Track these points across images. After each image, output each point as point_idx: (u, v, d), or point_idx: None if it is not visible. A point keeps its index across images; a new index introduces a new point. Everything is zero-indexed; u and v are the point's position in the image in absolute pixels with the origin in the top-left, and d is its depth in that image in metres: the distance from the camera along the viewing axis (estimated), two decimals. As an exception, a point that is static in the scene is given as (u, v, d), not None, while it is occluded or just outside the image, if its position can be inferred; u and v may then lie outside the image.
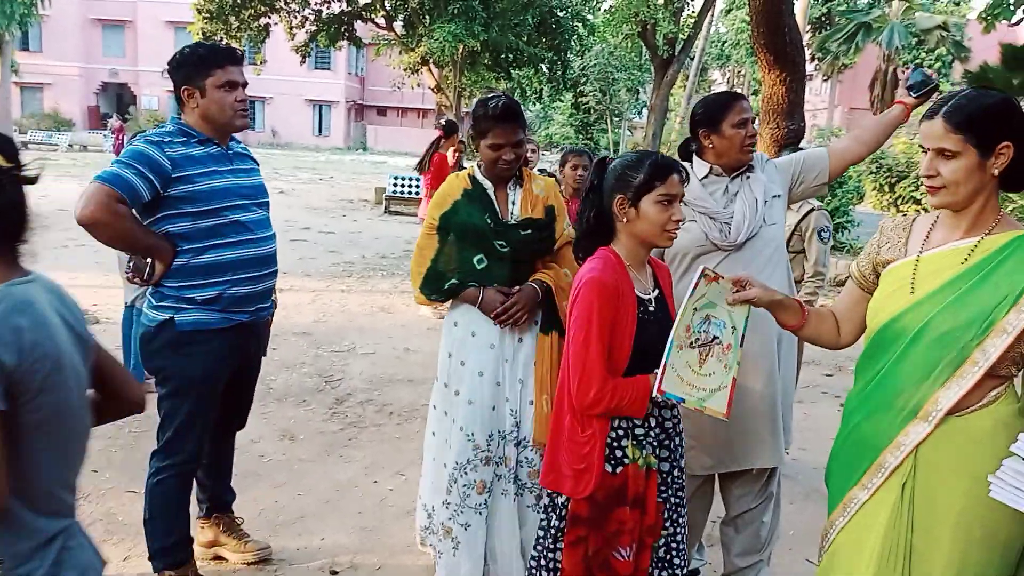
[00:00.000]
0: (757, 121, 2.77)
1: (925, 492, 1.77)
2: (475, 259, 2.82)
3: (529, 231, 2.83)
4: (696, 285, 1.99)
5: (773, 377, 2.69)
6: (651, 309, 2.16)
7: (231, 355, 2.80)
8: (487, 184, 2.87)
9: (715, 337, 2.05)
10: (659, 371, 1.98)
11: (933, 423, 1.75)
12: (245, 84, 2.78)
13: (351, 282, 9.01)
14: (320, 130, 45.96)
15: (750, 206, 2.67)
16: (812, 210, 4.46)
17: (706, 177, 2.74)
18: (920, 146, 1.84)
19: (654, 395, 2.02)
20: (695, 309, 2.02)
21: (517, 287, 2.79)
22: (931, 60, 31.12)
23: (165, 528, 2.74)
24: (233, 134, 2.86)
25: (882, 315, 1.86)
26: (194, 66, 2.69)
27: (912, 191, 10.14)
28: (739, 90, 45.46)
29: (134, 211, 2.59)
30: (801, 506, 3.92)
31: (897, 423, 1.80)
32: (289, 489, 3.80)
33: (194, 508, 3.08)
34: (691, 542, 2.98)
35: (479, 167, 2.89)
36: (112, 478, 3.78)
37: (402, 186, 16.64)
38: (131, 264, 2.74)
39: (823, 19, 32.54)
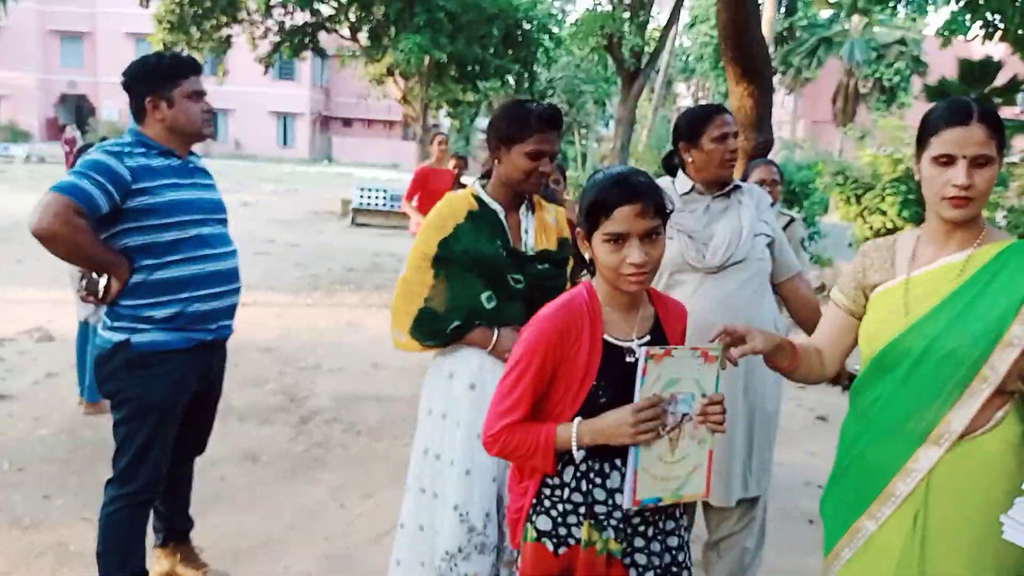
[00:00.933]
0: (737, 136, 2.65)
1: (938, 520, 1.70)
2: (483, 296, 2.37)
3: (547, 265, 2.44)
4: (644, 371, 1.68)
5: (733, 411, 2.50)
6: (628, 360, 1.77)
7: (191, 377, 2.66)
8: (496, 206, 2.43)
9: (684, 415, 1.73)
10: (628, 480, 1.70)
11: (944, 447, 1.68)
12: (206, 93, 2.70)
13: (317, 296, 8.84)
14: (285, 141, 45.50)
15: (734, 230, 2.56)
16: (792, 220, 4.42)
17: (688, 193, 2.65)
18: (943, 156, 1.68)
19: (627, 508, 1.72)
20: (655, 395, 1.70)
21: None
22: (890, 74, 31.75)
23: (119, 561, 2.58)
24: (192, 148, 2.75)
25: (879, 339, 1.79)
26: (161, 76, 2.59)
27: (879, 202, 10.21)
28: (703, 102, 46.09)
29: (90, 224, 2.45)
30: (778, 524, 3.85)
31: (906, 448, 1.73)
32: (252, 514, 3.64)
33: (151, 537, 2.93)
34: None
35: (482, 186, 2.47)
36: (64, 505, 3.60)
37: (369, 197, 16.48)
38: (83, 282, 2.58)
39: (785, 33, 33.03)
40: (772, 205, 3.91)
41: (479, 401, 2.31)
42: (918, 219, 10.06)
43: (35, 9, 40.32)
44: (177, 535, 3.00)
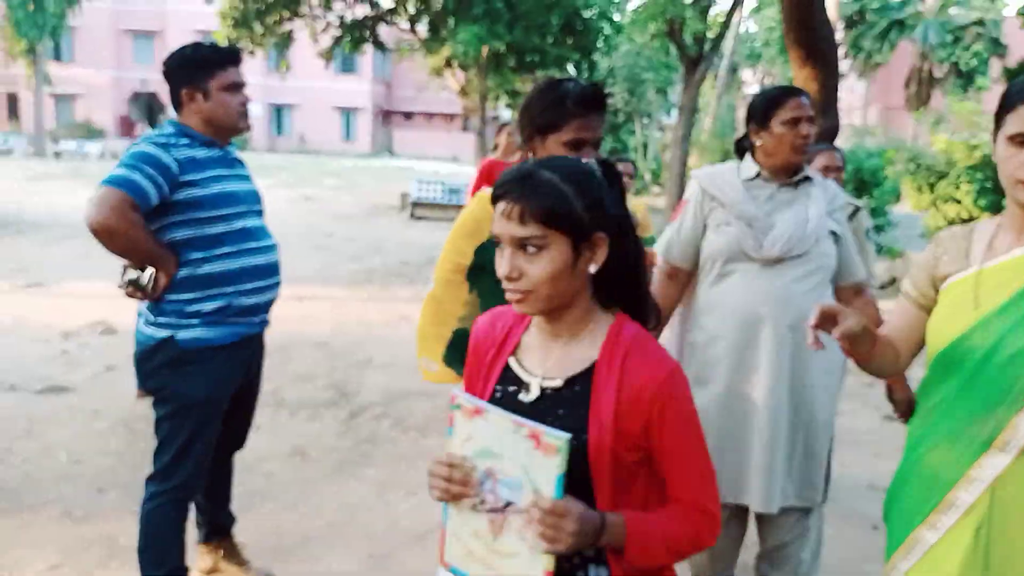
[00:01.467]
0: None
1: (1004, 534, 1.53)
2: None
3: None
4: (451, 421, 1.38)
5: (776, 413, 2.40)
6: (518, 396, 1.42)
7: (235, 373, 2.66)
8: None
9: (508, 502, 1.32)
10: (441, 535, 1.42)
11: (1012, 453, 1.52)
12: (245, 84, 2.64)
13: (372, 290, 8.87)
14: (347, 136, 46.13)
15: (799, 221, 2.40)
16: (858, 209, 4.18)
17: (753, 179, 2.49)
18: (1018, 135, 1.55)
19: (439, 565, 1.45)
20: (464, 457, 1.37)
21: None
22: (967, 57, 30.42)
23: (158, 558, 2.57)
24: (231, 139, 2.72)
25: (945, 335, 1.63)
26: (197, 67, 2.55)
27: (953, 191, 9.76)
28: (769, 89, 44.78)
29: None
30: (839, 529, 3.67)
31: (969, 454, 1.57)
32: (296, 510, 3.63)
33: (193, 534, 2.93)
34: (717, 574, 2.75)
35: None
36: (116, 499, 3.64)
37: (427, 191, 16.54)
38: (125, 277, 2.51)
39: (856, 16, 31.93)
40: None
41: None
42: (995, 208, 9.58)
43: (108, 8, 41.76)
44: (219, 531, 3.00)
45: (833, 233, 2.48)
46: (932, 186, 10.08)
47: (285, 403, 5.03)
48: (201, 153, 2.54)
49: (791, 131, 2.39)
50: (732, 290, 2.50)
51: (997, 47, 25.73)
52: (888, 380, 2.44)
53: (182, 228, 2.49)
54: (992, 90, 26.13)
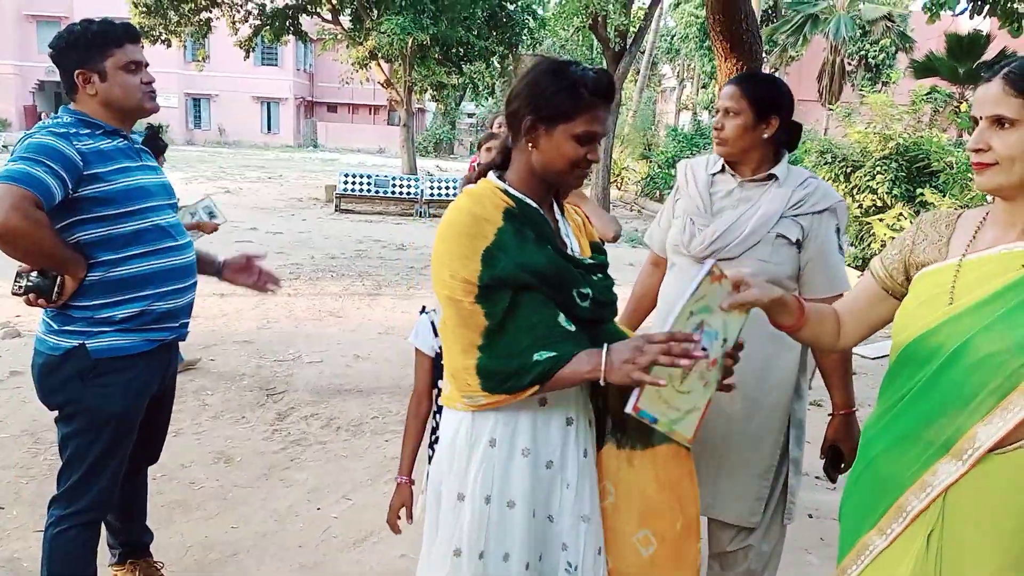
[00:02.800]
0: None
1: (956, 544, 1.48)
2: (560, 318, 1.71)
3: (602, 275, 1.86)
4: (700, 283, 1.57)
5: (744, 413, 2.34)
6: None
7: (152, 382, 2.43)
8: (530, 201, 1.78)
9: (704, 349, 1.60)
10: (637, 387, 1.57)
11: (968, 463, 1.45)
12: (147, 64, 2.38)
13: (299, 285, 8.60)
14: (269, 128, 45.01)
15: (737, 222, 2.30)
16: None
17: (718, 173, 2.42)
18: (970, 117, 1.53)
19: (627, 411, 1.56)
20: (691, 313, 1.58)
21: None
22: (875, 51, 31.57)
23: (65, 588, 2.36)
24: (133, 128, 2.48)
25: (912, 328, 1.56)
26: (89, 46, 2.28)
27: (868, 181, 10.04)
28: (688, 84, 45.83)
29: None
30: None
31: (924, 459, 1.50)
32: (222, 521, 3.44)
33: (105, 555, 2.73)
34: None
35: (502, 178, 1.80)
36: (20, 515, 3.38)
37: (353, 184, 16.22)
38: (18, 284, 2.25)
39: (770, 11, 32.72)
40: None
41: (532, 467, 1.73)
42: (909, 197, 9.89)
43: (11, -5, 39.60)
44: (135, 550, 2.80)
45: (786, 237, 2.29)
46: (847, 176, 10.35)
47: (208, 405, 4.80)
48: (106, 143, 2.30)
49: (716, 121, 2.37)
50: (668, 284, 2.49)
51: (905, 41, 26.67)
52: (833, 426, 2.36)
53: (90, 227, 2.24)
54: (900, 84, 27.15)
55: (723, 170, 2.41)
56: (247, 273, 2.77)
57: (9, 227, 2.02)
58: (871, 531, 1.58)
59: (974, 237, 1.57)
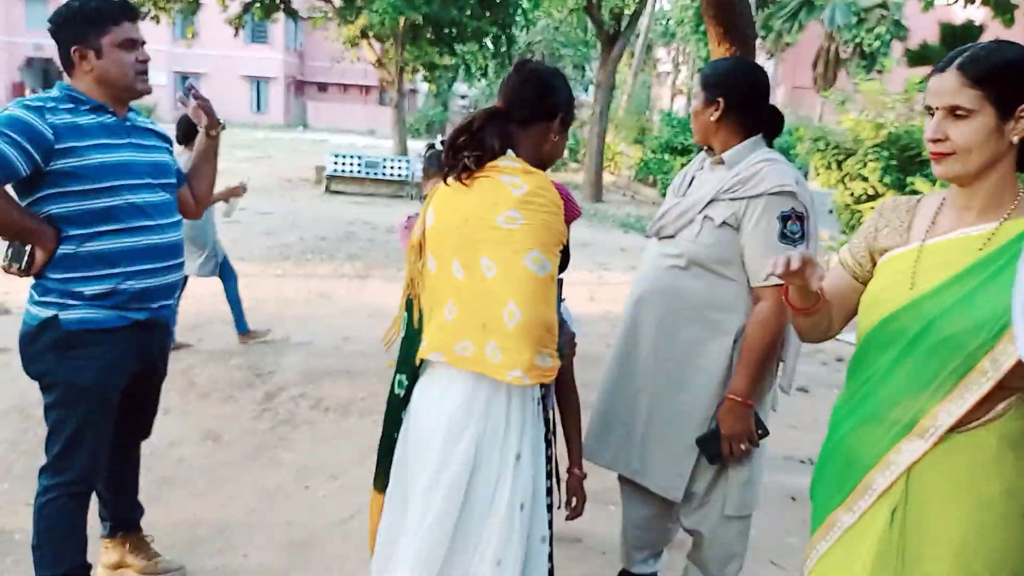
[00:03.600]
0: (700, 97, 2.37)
1: (919, 519, 1.53)
2: None
3: None
4: None
5: (625, 382, 2.49)
6: None
7: (127, 358, 2.42)
8: None
9: None
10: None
11: (930, 441, 1.51)
12: (144, 43, 2.38)
13: (287, 266, 8.59)
14: (258, 107, 44.70)
15: (682, 203, 2.41)
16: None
17: (707, 158, 2.53)
18: (926, 107, 1.57)
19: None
20: None
21: None
22: (871, 39, 31.56)
23: (55, 557, 2.39)
24: (129, 104, 2.47)
25: (876, 312, 1.61)
26: (86, 22, 2.28)
27: (860, 168, 10.07)
28: (683, 68, 45.73)
29: (9, 189, 2.20)
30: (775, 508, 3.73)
31: (888, 439, 1.56)
32: (210, 498, 3.46)
33: (97, 528, 2.75)
34: (645, 553, 2.75)
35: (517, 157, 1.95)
36: (9, 490, 3.39)
37: (343, 164, 16.13)
38: (7, 252, 2.31)
39: (766, -3, 32.70)
40: None
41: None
42: (900, 186, 9.94)
43: (-3, -31, 39.07)
44: (125, 524, 2.82)
45: (712, 219, 2.31)
46: (840, 163, 10.37)
47: (196, 384, 4.80)
48: (85, 119, 2.30)
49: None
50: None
51: (899, 29, 26.73)
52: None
53: (60, 200, 2.25)
54: (894, 72, 27.19)
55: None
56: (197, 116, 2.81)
57: None
58: (839, 508, 1.64)
59: (933, 222, 1.62)
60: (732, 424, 2.28)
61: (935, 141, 1.53)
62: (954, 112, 1.50)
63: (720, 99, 2.32)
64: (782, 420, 4.77)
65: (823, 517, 1.69)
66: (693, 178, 2.52)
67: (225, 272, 5.66)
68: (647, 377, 2.42)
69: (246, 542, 3.13)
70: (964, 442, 1.50)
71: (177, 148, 5.35)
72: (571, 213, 2.03)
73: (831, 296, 1.79)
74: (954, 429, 1.50)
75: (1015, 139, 1.50)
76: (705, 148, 2.48)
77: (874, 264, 1.71)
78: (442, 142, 2.41)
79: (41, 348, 2.32)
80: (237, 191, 5.27)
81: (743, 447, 2.29)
